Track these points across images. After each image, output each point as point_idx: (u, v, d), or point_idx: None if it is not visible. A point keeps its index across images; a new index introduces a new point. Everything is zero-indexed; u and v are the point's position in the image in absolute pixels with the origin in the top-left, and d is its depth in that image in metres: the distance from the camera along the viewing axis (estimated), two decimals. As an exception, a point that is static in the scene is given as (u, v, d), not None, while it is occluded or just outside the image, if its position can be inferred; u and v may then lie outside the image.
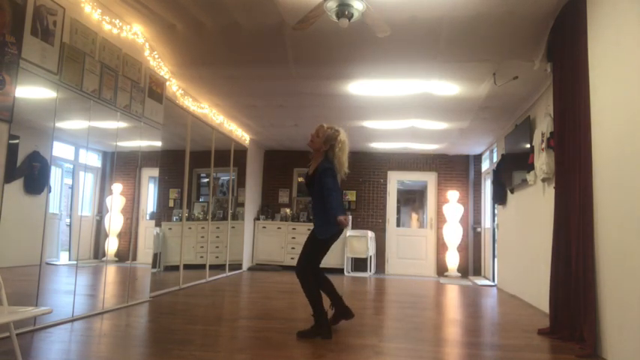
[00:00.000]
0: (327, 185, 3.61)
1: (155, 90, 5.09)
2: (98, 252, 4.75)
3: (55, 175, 4.07)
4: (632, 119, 2.90)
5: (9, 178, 3.23)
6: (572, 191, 3.71)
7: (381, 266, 9.54)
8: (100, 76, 4.15)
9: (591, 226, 3.39)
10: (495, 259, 8.14)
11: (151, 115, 5.01)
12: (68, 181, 4.53)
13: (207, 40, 4.61)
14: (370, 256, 8.90)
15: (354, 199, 9.69)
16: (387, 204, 9.72)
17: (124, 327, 3.89)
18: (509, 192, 6.86)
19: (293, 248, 9.24)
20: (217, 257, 7.59)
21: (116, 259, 4.83)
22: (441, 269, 9.34)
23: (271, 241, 9.39)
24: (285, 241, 9.34)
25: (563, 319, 3.77)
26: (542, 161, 4.82)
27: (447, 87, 5.56)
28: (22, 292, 3.42)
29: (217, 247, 7.61)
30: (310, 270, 3.73)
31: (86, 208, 4.74)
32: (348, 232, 8.88)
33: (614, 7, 3.14)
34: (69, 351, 3.13)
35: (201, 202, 7.71)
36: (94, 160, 4.74)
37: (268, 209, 9.78)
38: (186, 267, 6.30)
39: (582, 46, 3.51)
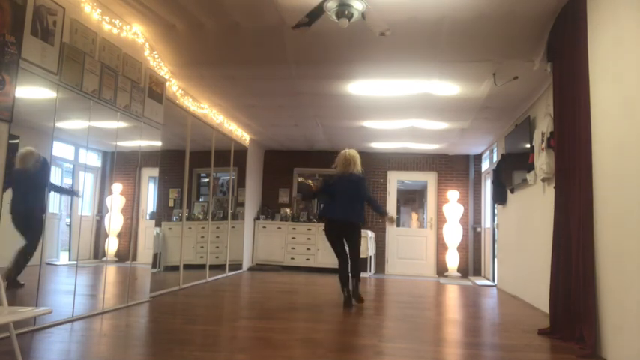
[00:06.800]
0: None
1: (155, 90, 5.09)
2: (98, 252, 4.75)
3: (55, 175, 4.06)
4: (632, 119, 2.90)
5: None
6: (572, 191, 3.71)
7: (381, 266, 9.54)
8: (100, 76, 4.15)
9: (591, 226, 3.39)
10: (495, 259, 8.14)
11: (151, 115, 5.01)
12: (68, 181, 4.53)
13: (207, 40, 4.61)
14: (370, 256, 8.90)
15: (354, 199, 9.68)
16: (387, 204, 9.71)
17: (124, 327, 3.89)
18: (509, 192, 6.86)
19: (293, 248, 9.24)
20: (217, 257, 7.58)
21: (116, 259, 4.83)
22: (441, 269, 9.34)
23: (271, 241, 9.38)
24: (285, 241, 9.33)
25: (563, 319, 3.77)
26: (542, 161, 4.83)
27: (447, 87, 5.56)
28: (22, 292, 3.43)
29: (217, 247, 7.61)
30: None
31: (86, 208, 4.74)
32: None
33: (614, 6, 3.14)
34: (69, 351, 3.13)
35: (201, 202, 7.71)
36: (94, 160, 4.74)
37: (268, 209, 9.78)
38: (186, 267, 6.30)
39: (582, 46, 3.51)
